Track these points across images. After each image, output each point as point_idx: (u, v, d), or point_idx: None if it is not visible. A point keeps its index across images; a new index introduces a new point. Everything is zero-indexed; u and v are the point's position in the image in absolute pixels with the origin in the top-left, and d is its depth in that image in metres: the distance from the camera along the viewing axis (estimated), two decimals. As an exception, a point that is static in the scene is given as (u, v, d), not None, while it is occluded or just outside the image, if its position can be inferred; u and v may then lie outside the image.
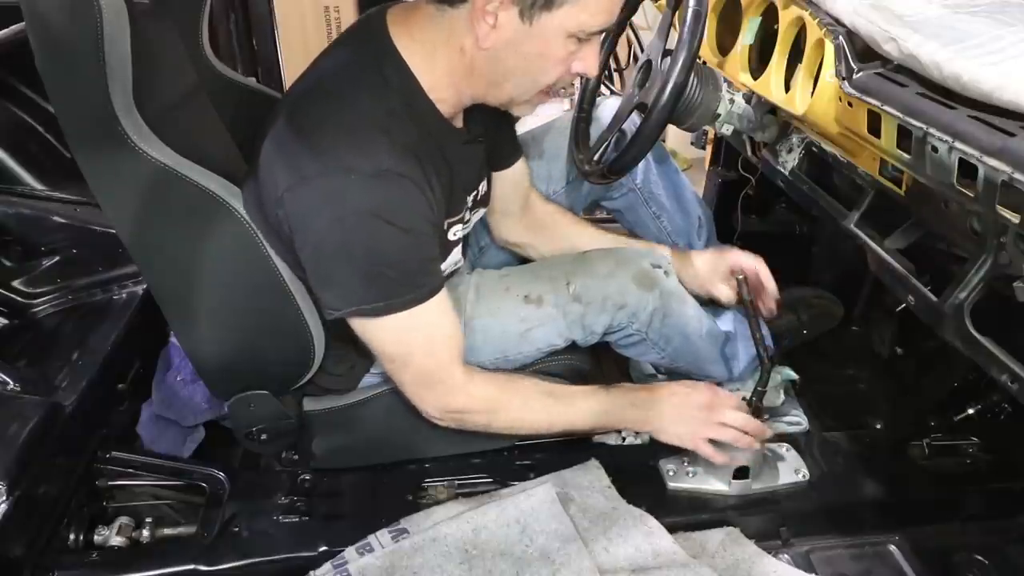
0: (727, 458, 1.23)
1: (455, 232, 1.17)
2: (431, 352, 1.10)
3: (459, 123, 1.13)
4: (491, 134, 1.21)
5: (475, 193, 1.21)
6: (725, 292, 1.37)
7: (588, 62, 1.02)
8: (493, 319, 1.26)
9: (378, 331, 1.06)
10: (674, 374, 1.39)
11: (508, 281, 1.30)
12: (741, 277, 1.29)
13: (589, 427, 1.25)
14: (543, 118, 1.53)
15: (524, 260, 1.47)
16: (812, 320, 1.60)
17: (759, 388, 1.23)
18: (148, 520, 1.23)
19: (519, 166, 1.35)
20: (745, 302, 1.26)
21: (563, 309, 1.24)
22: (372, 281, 1.01)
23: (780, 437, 1.40)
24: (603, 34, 1.01)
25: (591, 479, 1.24)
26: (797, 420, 1.45)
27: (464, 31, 0.97)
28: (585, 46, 1.00)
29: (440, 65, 1.01)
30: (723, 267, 1.36)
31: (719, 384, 1.40)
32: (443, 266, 1.17)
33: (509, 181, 1.34)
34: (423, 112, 1.04)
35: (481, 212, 1.29)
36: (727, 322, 1.44)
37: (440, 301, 1.07)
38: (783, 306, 1.60)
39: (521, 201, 1.39)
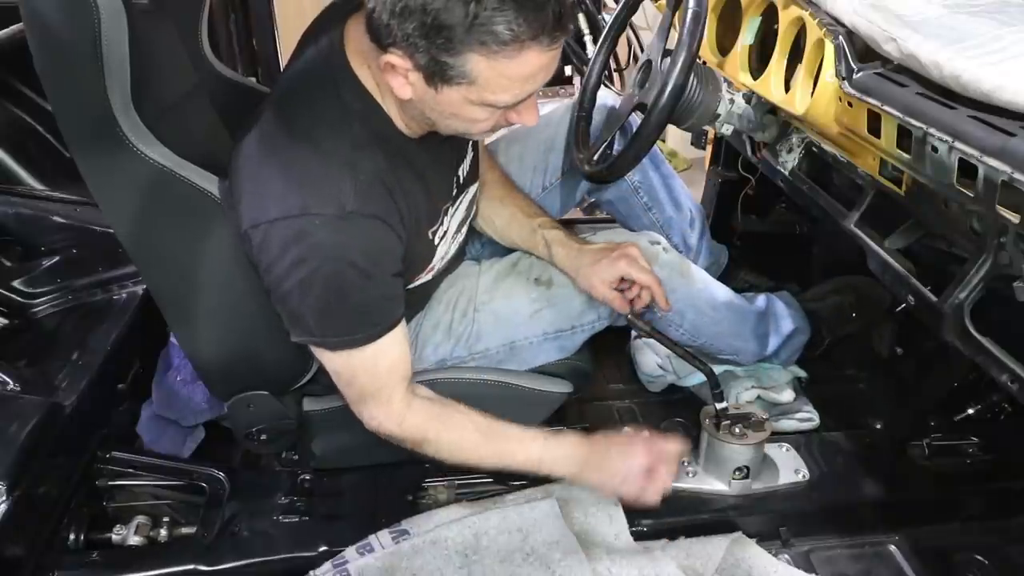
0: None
1: (439, 235, 1.17)
2: (375, 376, 1.09)
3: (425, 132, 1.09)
4: None
5: (455, 179, 1.20)
6: (606, 298, 1.22)
7: (524, 116, 0.97)
8: (506, 301, 1.28)
9: (328, 356, 1.07)
10: (702, 352, 1.36)
11: (520, 266, 1.33)
12: (640, 308, 1.22)
13: (521, 472, 1.17)
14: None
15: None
16: (859, 304, 1.58)
17: (715, 391, 1.22)
18: (147, 520, 1.23)
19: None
20: (638, 325, 1.23)
21: (571, 290, 1.26)
22: (328, 320, 1.02)
23: (793, 434, 1.40)
24: (532, 96, 0.94)
25: (597, 496, 1.22)
26: (809, 416, 1.45)
27: None
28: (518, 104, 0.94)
29: (389, 95, 1.00)
30: (611, 275, 1.21)
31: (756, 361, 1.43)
32: (431, 265, 1.18)
33: None
34: (387, 134, 1.02)
35: (471, 191, 1.27)
36: (760, 301, 1.46)
37: (393, 334, 1.07)
38: (831, 289, 1.60)
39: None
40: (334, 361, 1.08)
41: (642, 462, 1.15)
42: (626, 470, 1.15)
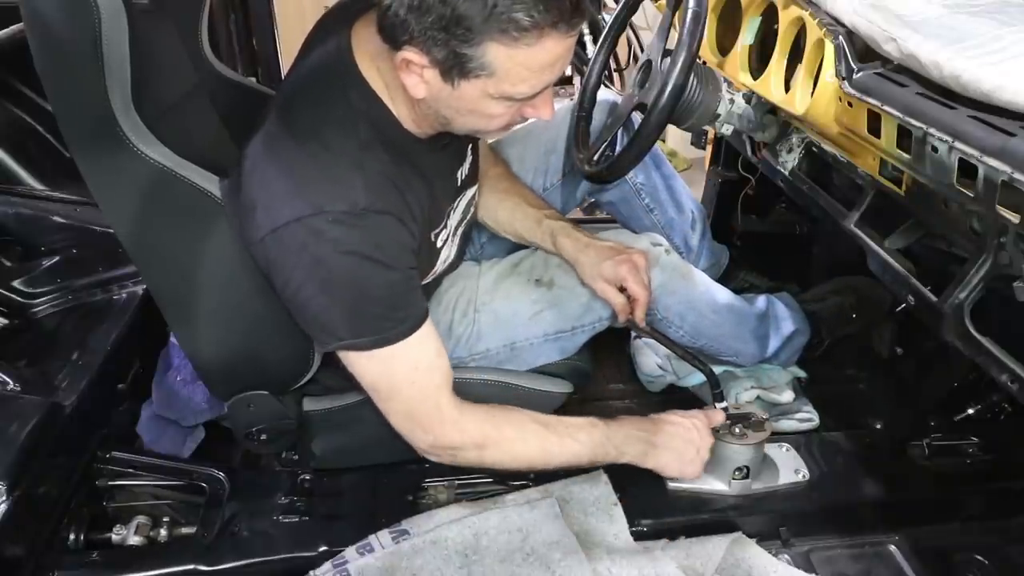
0: None
1: (441, 238, 1.17)
2: (415, 381, 1.07)
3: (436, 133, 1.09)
4: None
5: (455, 181, 1.20)
6: (607, 296, 1.24)
7: (540, 110, 0.97)
8: (506, 301, 1.29)
9: (364, 363, 1.06)
10: (702, 354, 1.37)
11: (520, 266, 1.33)
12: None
13: (587, 460, 1.17)
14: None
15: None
16: (859, 304, 1.58)
17: (715, 392, 1.24)
18: (147, 520, 1.23)
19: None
20: (638, 326, 1.25)
21: (572, 291, 1.27)
22: (356, 318, 1.01)
23: (793, 434, 1.40)
24: (549, 88, 0.94)
25: (597, 495, 1.21)
26: (809, 416, 1.46)
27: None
28: (535, 96, 0.94)
29: (398, 96, 1.00)
30: (612, 275, 1.22)
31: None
32: (434, 268, 1.18)
33: None
34: (394, 136, 1.02)
35: (470, 192, 1.27)
36: (760, 302, 1.46)
37: (424, 330, 1.06)
38: (831, 290, 1.61)
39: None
40: (370, 368, 1.06)
41: (704, 441, 1.19)
42: (690, 448, 1.18)
